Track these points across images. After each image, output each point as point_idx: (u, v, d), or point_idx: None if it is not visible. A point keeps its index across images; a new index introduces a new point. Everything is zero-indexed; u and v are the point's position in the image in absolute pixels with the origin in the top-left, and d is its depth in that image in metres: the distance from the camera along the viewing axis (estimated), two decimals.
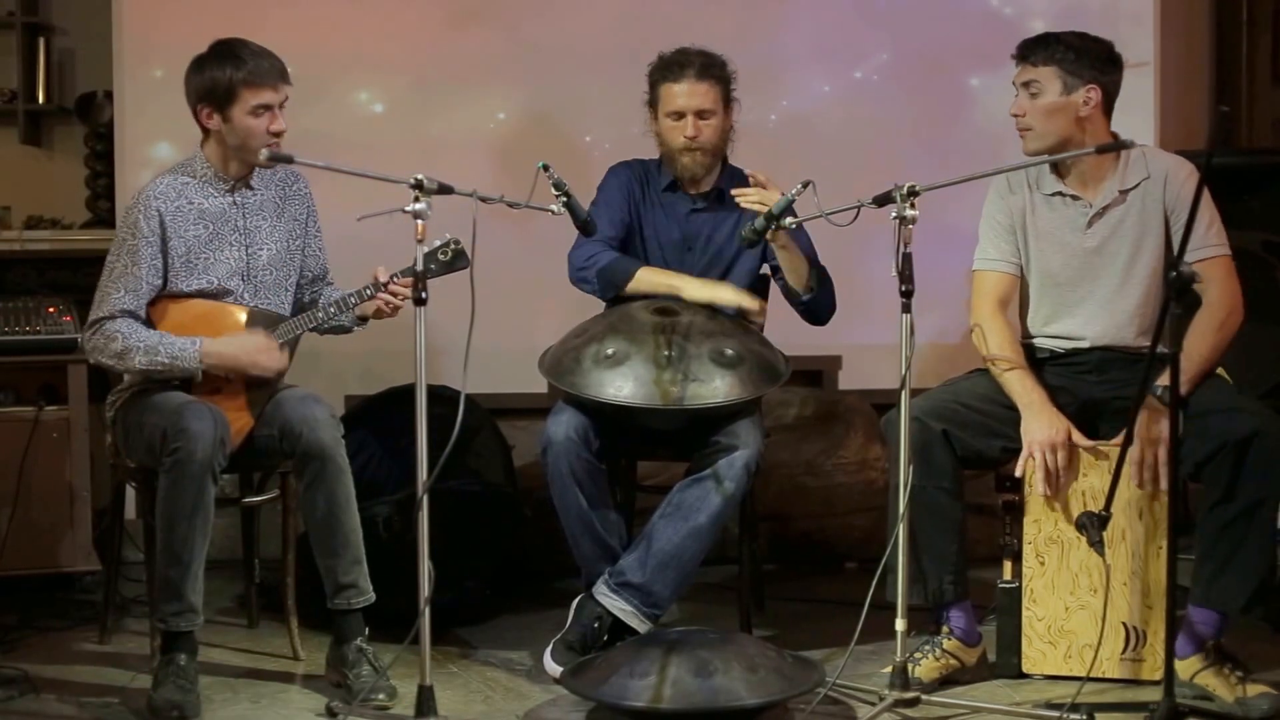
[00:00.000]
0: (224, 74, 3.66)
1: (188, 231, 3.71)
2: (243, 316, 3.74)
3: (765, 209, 3.72)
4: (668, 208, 4.14)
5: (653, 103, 4.10)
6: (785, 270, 3.98)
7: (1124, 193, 3.69)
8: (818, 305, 4.02)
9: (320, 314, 3.79)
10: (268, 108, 3.69)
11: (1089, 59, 3.64)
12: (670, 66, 4.05)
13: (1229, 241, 3.69)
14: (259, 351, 3.68)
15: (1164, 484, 3.50)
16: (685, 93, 4.01)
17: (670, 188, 4.14)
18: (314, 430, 3.66)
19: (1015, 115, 3.71)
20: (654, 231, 4.11)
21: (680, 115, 4.02)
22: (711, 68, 4.04)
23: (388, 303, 3.78)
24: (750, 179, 3.92)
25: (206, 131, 3.75)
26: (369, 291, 3.77)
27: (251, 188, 3.80)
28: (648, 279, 4.01)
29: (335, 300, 3.82)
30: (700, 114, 4.01)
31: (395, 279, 3.74)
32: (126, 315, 3.64)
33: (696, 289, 3.97)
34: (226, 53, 3.69)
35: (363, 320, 3.91)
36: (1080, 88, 3.63)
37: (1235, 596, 3.47)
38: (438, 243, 3.67)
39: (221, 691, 3.66)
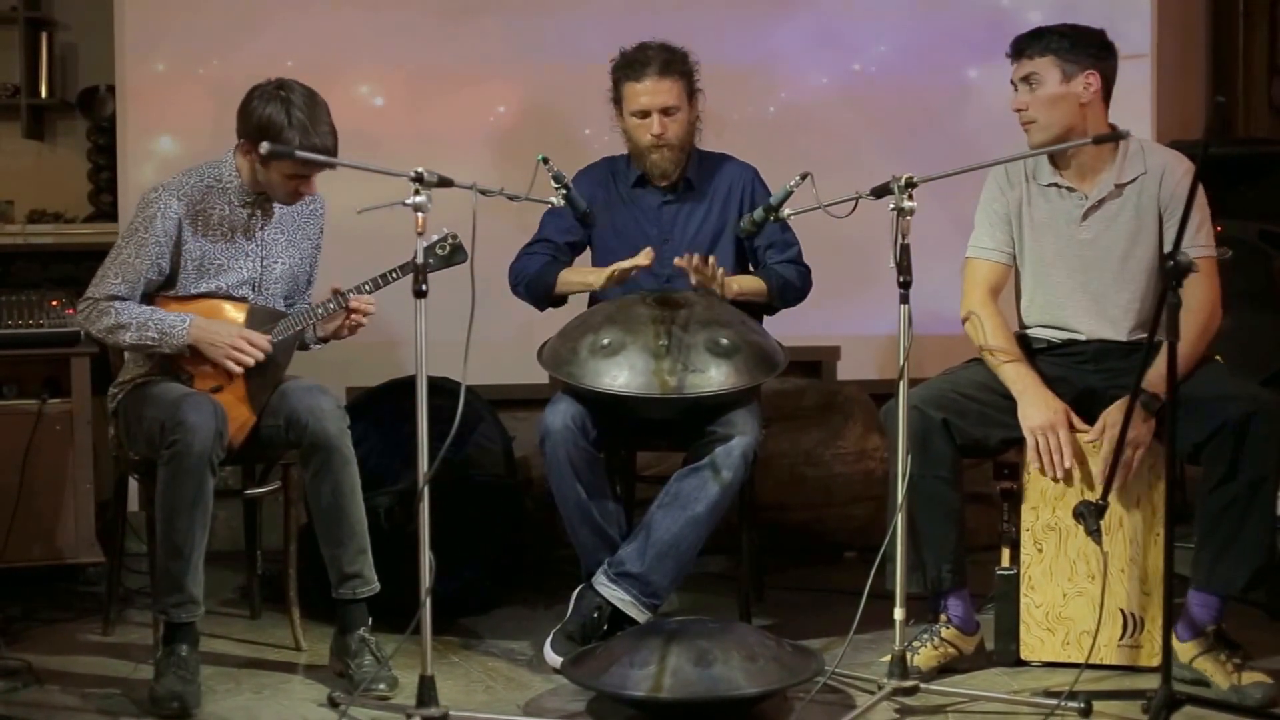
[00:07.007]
0: (277, 134, 3.54)
1: (205, 237, 3.72)
2: (241, 315, 3.75)
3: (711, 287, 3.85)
4: (639, 203, 4.15)
5: (617, 100, 4.09)
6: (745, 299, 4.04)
7: (1120, 186, 3.68)
8: (783, 305, 4.13)
9: (308, 315, 3.78)
10: (304, 178, 3.69)
11: (1084, 45, 3.65)
12: (632, 65, 4.03)
13: (1227, 231, 3.70)
14: (242, 336, 3.67)
15: (1124, 481, 3.54)
16: (649, 91, 4.00)
17: (639, 183, 4.14)
18: (320, 420, 3.67)
19: (1017, 110, 3.69)
20: (625, 228, 4.09)
21: (645, 114, 4.02)
22: (673, 63, 4.02)
23: (351, 320, 3.76)
24: (694, 272, 3.87)
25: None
26: (332, 306, 3.76)
27: (274, 202, 3.78)
28: (566, 279, 4.08)
29: (310, 309, 3.80)
30: (665, 111, 4.01)
31: (354, 293, 3.74)
32: (117, 300, 3.66)
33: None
34: (283, 107, 3.56)
35: (323, 340, 3.90)
36: (1079, 75, 3.63)
37: (1236, 578, 3.49)
38: (435, 238, 3.66)
39: (224, 682, 3.68)
